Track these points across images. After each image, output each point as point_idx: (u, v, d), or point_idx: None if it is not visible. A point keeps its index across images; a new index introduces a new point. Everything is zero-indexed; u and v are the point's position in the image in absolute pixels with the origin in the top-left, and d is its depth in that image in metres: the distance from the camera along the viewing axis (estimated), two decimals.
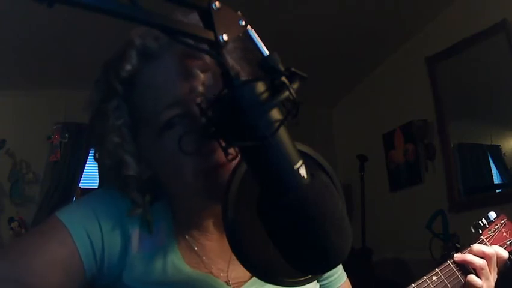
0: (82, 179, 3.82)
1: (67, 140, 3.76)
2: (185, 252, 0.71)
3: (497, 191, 2.94)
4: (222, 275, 0.73)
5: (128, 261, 0.68)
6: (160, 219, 0.71)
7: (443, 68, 3.13)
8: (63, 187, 3.68)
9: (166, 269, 0.69)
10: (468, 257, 0.95)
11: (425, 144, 3.30)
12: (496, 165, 2.96)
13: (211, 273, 0.72)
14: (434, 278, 0.93)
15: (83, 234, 0.66)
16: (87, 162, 3.86)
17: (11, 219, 3.49)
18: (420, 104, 3.32)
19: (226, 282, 0.73)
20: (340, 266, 0.89)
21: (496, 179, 2.94)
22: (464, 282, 0.94)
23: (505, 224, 1.05)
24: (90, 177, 3.91)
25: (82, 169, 3.83)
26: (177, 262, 0.70)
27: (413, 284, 0.91)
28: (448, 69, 3.11)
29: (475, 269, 0.94)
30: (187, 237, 0.72)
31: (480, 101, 2.98)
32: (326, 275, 0.85)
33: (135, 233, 0.69)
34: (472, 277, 0.93)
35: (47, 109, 3.75)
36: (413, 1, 2.93)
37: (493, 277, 0.94)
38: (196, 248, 0.72)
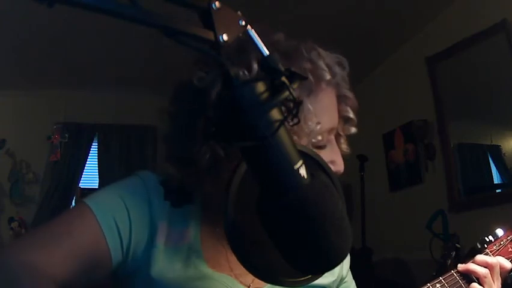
0: (82, 179, 3.83)
1: (66, 140, 3.77)
2: (208, 253, 0.72)
3: (497, 191, 2.94)
4: (242, 278, 0.74)
5: (154, 252, 0.68)
6: (190, 219, 0.72)
7: (443, 68, 3.13)
8: (63, 187, 3.69)
9: (187, 267, 0.70)
10: (471, 266, 0.97)
11: (425, 144, 3.30)
12: (496, 165, 2.95)
13: (232, 275, 0.73)
14: (438, 285, 0.95)
15: (111, 222, 0.66)
16: (87, 162, 3.87)
17: (11, 219, 3.49)
18: (420, 104, 3.32)
19: (247, 285, 0.74)
20: (353, 283, 0.90)
21: (496, 179, 2.94)
22: None
23: (511, 240, 1.07)
24: (90, 177, 3.91)
25: (82, 169, 3.83)
26: (200, 263, 0.71)
27: None
28: (448, 69, 3.11)
29: (478, 279, 0.95)
30: (214, 239, 0.73)
31: (480, 101, 2.98)
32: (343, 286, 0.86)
33: (163, 226, 0.70)
34: (475, 285, 0.94)
35: (47, 109, 3.76)
36: (413, 1, 2.93)
37: (496, 286, 0.95)
38: (222, 252, 0.73)
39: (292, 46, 0.69)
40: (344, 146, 0.80)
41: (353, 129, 0.79)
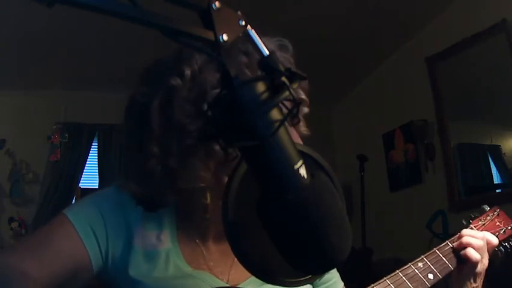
0: (82, 179, 3.83)
1: (66, 140, 3.77)
2: (187, 253, 0.74)
3: (497, 191, 2.94)
4: (221, 275, 0.75)
5: (133, 256, 0.71)
6: (165, 222, 0.75)
7: (443, 68, 3.13)
8: (63, 187, 3.68)
9: (167, 268, 0.72)
10: (464, 239, 0.95)
11: (425, 144, 3.30)
12: (496, 165, 2.96)
13: (211, 272, 0.74)
14: (420, 264, 0.94)
15: (88, 229, 0.70)
16: (87, 162, 3.87)
17: (11, 219, 3.49)
18: (420, 104, 3.32)
19: (226, 281, 0.75)
20: (336, 274, 0.90)
21: (496, 179, 2.94)
22: (453, 268, 0.95)
23: (498, 215, 1.06)
24: (90, 177, 3.91)
25: (82, 169, 3.83)
26: (179, 263, 0.73)
27: (397, 270, 0.91)
28: (448, 69, 3.11)
29: (465, 257, 0.94)
30: (190, 238, 0.75)
31: (480, 101, 2.98)
32: (321, 281, 0.86)
33: (138, 230, 0.73)
34: (471, 251, 0.93)
35: (47, 109, 3.75)
36: (413, 1, 2.93)
37: (485, 260, 0.94)
38: (199, 251, 0.75)
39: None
40: (303, 129, 0.79)
41: (306, 109, 0.79)
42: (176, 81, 0.66)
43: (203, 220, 0.74)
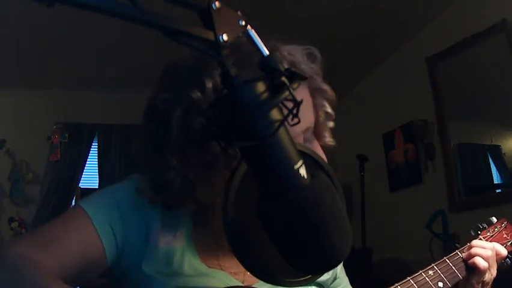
0: (81, 179, 3.83)
1: (67, 140, 3.77)
2: (202, 251, 0.74)
3: (497, 191, 2.94)
4: (236, 274, 0.75)
5: (148, 252, 0.71)
6: (182, 220, 0.74)
7: (443, 68, 3.13)
8: (63, 187, 3.69)
9: (182, 266, 0.71)
10: (473, 250, 0.97)
11: (425, 144, 3.30)
12: (496, 165, 2.95)
13: (227, 271, 0.74)
14: (430, 272, 0.95)
15: (105, 223, 0.69)
16: (87, 162, 3.87)
17: (11, 219, 3.49)
18: (420, 104, 3.32)
19: (241, 280, 0.75)
20: (345, 278, 0.90)
21: (496, 179, 2.94)
22: (462, 277, 0.96)
23: (505, 227, 1.08)
24: (90, 177, 3.91)
25: (82, 169, 3.83)
26: (194, 262, 0.72)
27: (408, 277, 0.92)
28: (448, 69, 3.11)
29: (473, 265, 0.95)
30: (206, 238, 0.75)
31: (480, 101, 2.98)
32: (331, 286, 0.86)
33: (156, 227, 0.72)
34: (479, 259, 0.94)
35: (47, 109, 3.76)
36: (413, 1, 2.93)
37: (493, 270, 0.96)
38: (214, 252, 0.75)
39: (251, 51, 0.64)
40: (329, 139, 0.78)
41: (331, 124, 0.77)
42: (196, 95, 0.64)
43: (220, 227, 0.74)
